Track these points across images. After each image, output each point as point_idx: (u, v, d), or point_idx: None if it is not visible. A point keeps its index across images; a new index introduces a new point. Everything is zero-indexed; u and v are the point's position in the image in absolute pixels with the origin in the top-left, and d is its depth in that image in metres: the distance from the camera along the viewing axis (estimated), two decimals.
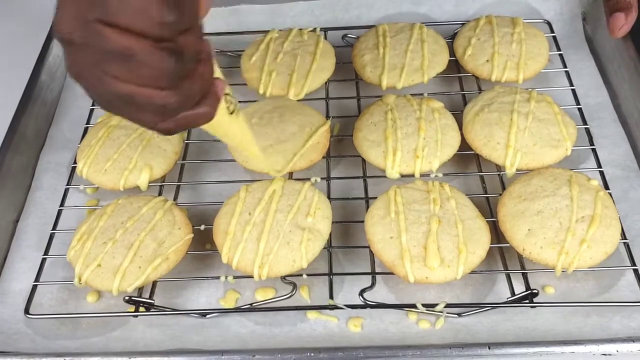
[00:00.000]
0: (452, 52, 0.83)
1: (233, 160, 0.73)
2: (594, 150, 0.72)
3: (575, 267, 0.61)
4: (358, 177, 0.72)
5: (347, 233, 0.69)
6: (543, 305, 0.60)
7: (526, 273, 0.62)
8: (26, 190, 0.75)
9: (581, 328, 0.60)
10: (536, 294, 0.60)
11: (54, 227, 0.69)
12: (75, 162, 0.74)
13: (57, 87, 0.86)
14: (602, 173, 0.70)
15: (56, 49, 0.88)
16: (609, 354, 0.56)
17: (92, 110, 0.80)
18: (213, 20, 0.92)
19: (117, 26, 0.42)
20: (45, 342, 0.62)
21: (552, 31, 0.86)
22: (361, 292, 0.61)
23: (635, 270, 0.62)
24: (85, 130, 0.78)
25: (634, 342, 0.56)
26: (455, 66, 0.83)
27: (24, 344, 0.61)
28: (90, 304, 0.65)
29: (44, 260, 0.66)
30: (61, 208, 0.71)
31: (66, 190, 0.72)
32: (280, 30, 0.86)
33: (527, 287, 0.61)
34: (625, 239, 0.64)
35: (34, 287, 0.64)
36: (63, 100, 0.85)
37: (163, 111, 0.46)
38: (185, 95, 0.46)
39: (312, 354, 0.57)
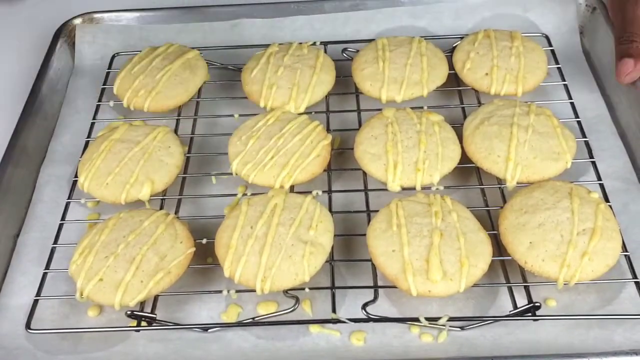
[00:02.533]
0: (451, 66, 0.83)
1: (231, 173, 0.73)
2: (593, 163, 0.73)
3: (577, 280, 0.61)
4: (359, 190, 0.72)
5: (348, 246, 0.69)
6: (545, 318, 0.60)
7: (528, 286, 0.62)
8: (27, 204, 0.75)
9: (584, 341, 0.60)
10: (538, 307, 0.60)
11: (55, 241, 0.69)
12: (76, 176, 0.74)
13: (57, 101, 0.87)
14: (602, 185, 0.70)
15: (57, 62, 0.88)
16: None
17: (92, 124, 0.81)
18: (213, 35, 0.93)
19: None
20: (46, 357, 0.61)
21: (550, 45, 0.86)
22: (364, 306, 0.61)
23: (637, 283, 0.62)
24: (86, 144, 0.78)
25: (637, 355, 0.57)
26: (454, 79, 0.83)
27: (24, 359, 0.61)
28: (92, 318, 0.65)
29: (45, 274, 0.66)
30: (62, 222, 0.71)
31: (67, 204, 0.72)
32: (281, 44, 0.86)
33: (530, 300, 0.61)
34: (627, 251, 0.64)
35: (35, 302, 0.64)
36: (63, 114, 0.85)
37: None
38: None
39: None
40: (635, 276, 0.63)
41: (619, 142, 0.77)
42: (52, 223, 0.72)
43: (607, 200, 0.68)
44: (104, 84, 0.85)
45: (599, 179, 0.71)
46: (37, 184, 0.77)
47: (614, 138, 0.78)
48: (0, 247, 0.70)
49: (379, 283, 0.64)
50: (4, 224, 0.71)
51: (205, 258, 0.68)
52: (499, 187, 0.71)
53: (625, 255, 0.64)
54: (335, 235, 0.66)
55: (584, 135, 0.75)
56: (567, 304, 0.63)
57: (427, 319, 0.60)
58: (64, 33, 0.91)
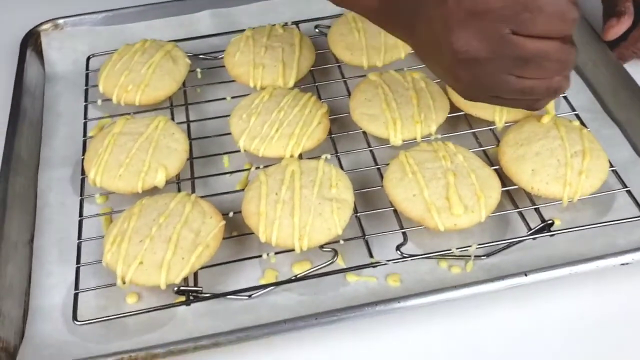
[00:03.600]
0: None
1: (237, 151, 0.75)
2: (565, 97, 0.80)
3: (579, 196, 0.68)
4: (364, 149, 0.76)
5: (365, 201, 0.73)
6: (562, 231, 0.67)
7: (538, 208, 0.68)
8: (32, 210, 0.74)
9: (593, 248, 0.67)
10: (552, 224, 0.67)
11: (79, 237, 0.68)
12: (82, 174, 0.73)
13: (38, 107, 0.85)
14: (577, 115, 0.78)
15: (30, 69, 0.87)
16: (627, 263, 0.63)
17: (85, 124, 0.80)
18: (181, 28, 0.94)
19: (532, 34, 0.48)
20: (98, 347, 0.61)
21: None
22: (398, 247, 0.66)
23: (628, 191, 0.70)
24: (84, 143, 0.78)
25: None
26: None
27: (77, 351, 0.61)
28: (131, 305, 0.65)
29: (78, 269, 0.65)
30: (81, 218, 0.70)
31: (81, 201, 0.72)
32: (254, 28, 0.89)
33: (543, 220, 0.67)
34: (613, 167, 0.72)
35: (76, 296, 0.63)
36: (46, 121, 0.84)
37: (553, 94, 0.55)
38: (567, 76, 0.55)
39: (369, 308, 0.61)
40: (625, 186, 0.70)
41: (579, 79, 0.86)
42: (65, 224, 0.72)
43: (585, 127, 0.76)
44: (86, 85, 0.85)
45: (573, 109, 0.79)
46: (39, 190, 0.76)
47: (573, 75, 0.86)
48: (18, 254, 0.69)
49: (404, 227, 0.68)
50: (17, 232, 0.70)
51: (230, 232, 0.70)
52: (490, 129, 0.77)
53: (613, 170, 0.72)
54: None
55: None
56: (570, 221, 0.70)
57: (457, 248, 0.65)
58: (30, 42, 0.90)
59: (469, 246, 0.66)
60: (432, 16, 0.53)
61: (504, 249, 0.67)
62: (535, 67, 0.51)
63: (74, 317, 0.61)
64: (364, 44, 0.84)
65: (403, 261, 0.65)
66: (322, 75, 0.87)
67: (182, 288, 0.63)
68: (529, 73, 0.52)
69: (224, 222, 0.67)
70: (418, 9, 0.54)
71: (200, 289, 0.63)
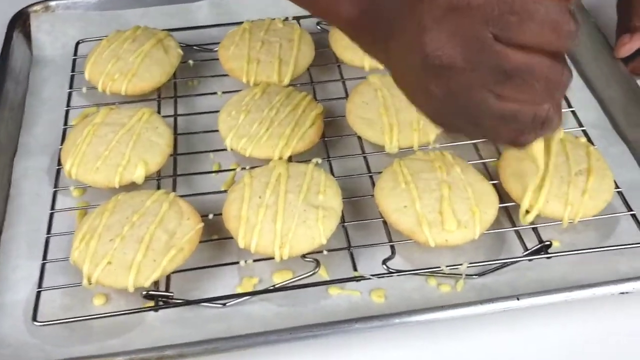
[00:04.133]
0: None
1: (224, 150, 0.72)
2: (573, 112, 0.76)
3: (581, 217, 0.64)
4: (358, 155, 0.72)
5: (355, 210, 0.69)
6: (560, 254, 0.63)
7: (536, 227, 0.64)
8: (4, 198, 0.70)
9: (592, 274, 0.62)
10: (549, 245, 0.63)
11: (49, 232, 0.65)
12: (59, 165, 0.70)
13: (21, 91, 0.82)
14: (585, 132, 0.74)
15: (17, 52, 0.84)
16: (627, 292, 0.59)
17: (67, 112, 0.77)
18: (177, 17, 0.91)
19: (518, 43, 0.39)
20: (57, 350, 0.57)
21: None
22: (384, 262, 0.62)
23: (633, 215, 0.66)
24: (64, 132, 0.74)
25: None
26: None
27: (34, 354, 0.57)
28: (98, 307, 0.61)
29: (43, 265, 0.62)
30: (52, 211, 0.67)
31: (55, 193, 0.68)
32: (253, 21, 0.85)
33: (540, 240, 0.63)
34: (618, 187, 0.68)
35: (38, 294, 0.60)
36: (29, 105, 0.81)
37: (540, 126, 0.44)
38: (559, 106, 0.44)
39: (347, 325, 0.57)
40: (630, 209, 0.66)
41: (589, 94, 0.82)
42: (37, 215, 0.68)
43: (592, 144, 0.72)
44: (73, 71, 0.82)
45: (581, 125, 0.74)
46: (13, 178, 0.72)
47: (583, 90, 0.82)
48: None
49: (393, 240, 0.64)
50: None
51: (210, 235, 0.66)
52: None
53: (618, 192, 0.68)
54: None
55: None
56: (569, 243, 0.66)
57: (447, 266, 0.61)
58: (19, 23, 0.87)
59: (459, 264, 0.62)
60: (407, 21, 0.45)
61: (497, 269, 0.63)
62: (519, 85, 0.41)
63: (34, 317, 0.58)
64: None
65: (389, 276, 0.61)
66: (321, 74, 0.83)
67: (151, 292, 0.59)
68: (511, 92, 0.42)
69: (201, 225, 0.63)
70: (396, 17, 0.47)
71: (171, 294, 0.60)
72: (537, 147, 0.59)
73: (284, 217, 0.62)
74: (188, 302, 0.60)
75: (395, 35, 0.47)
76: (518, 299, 0.58)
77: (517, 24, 0.40)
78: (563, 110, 0.74)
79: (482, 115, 0.44)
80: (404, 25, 0.45)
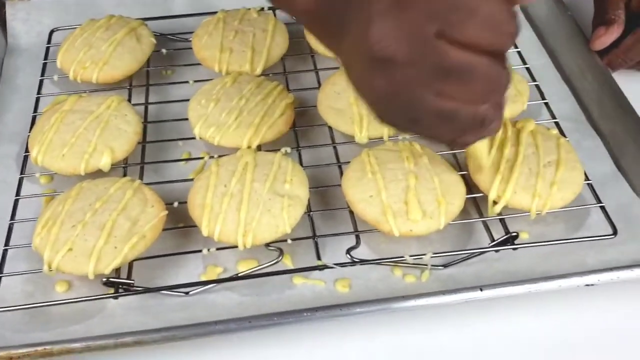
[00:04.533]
0: None
1: (194, 138, 0.71)
2: (546, 104, 0.76)
3: (548, 209, 0.63)
4: (327, 145, 0.72)
5: (322, 199, 0.68)
6: (526, 245, 0.62)
7: (504, 219, 0.64)
8: None
9: (559, 266, 0.62)
10: (516, 237, 0.62)
11: (12, 218, 0.64)
12: (26, 151, 0.69)
13: None
14: (557, 124, 0.73)
15: None
16: (592, 284, 0.59)
17: (38, 99, 0.76)
18: (153, 6, 0.90)
19: (459, 41, 0.39)
20: (17, 336, 0.57)
21: None
22: (348, 251, 0.61)
23: (602, 207, 0.65)
24: (33, 119, 0.74)
25: (612, 270, 0.59)
26: None
27: None
28: (60, 294, 0.61)
29: (5, 251, 0.61)
30: (17, 198, 0.66)
31: (20, 180, 0.68)
32: (228, 10, 0.85)
33: (507, 231, 0.63)
34: (589, 180, 0.67)
35: None
36: (2, 93, 0.80)
37: (479, 126, 0.44)
38: (499, 106, 0.45)
39: (309, 314, 0.56)
40: (599, 201, 0.66)
41: (564, 86, 0.81)
42: (3, 202, 0.68)
43: (563, 136, 0.71)
44: (45, 59, 0.81)
45: (554, 117, 0.74)
46: None
47: (559, 82, 0.82)
48: None
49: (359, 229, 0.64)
50: None
51: (176, 223, 0.66)
52: None
53: (588, 184, 0.67)
54: (309, 189, 0.65)
55: (534, 80, 0.78)
56: (538, 235, 0.65)
57: (411, 256, 0.61)
58: None
59: (423, 254, 0.61)
60: (357, 13, 0.45)
61: (464, 260, 0.63)
62: (458, 83, 0.42)
63: None
64: None
65: (352, 265, 0.61)
66: (295, 65, 0.82)
67: (111, 279, 0.58)
68: (450, 90, 0.42)
69: (165, 213, 0.63)
70: (347, 9, 0.46)
71: (132, 282, 0.59)
72: (480, 147, 0.59)
73: (248, 205, 0.61)
74: (148, 290, 0.59)
75: (346, 27, 0.46)
76: (481, 290, 0.58)
77: (459, 22, 0.40)
78: (536, 102, 0.75)
79: (421, 113, 0.44)
80: (354, 17, 0.45)
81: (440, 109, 0.43)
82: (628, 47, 0.79)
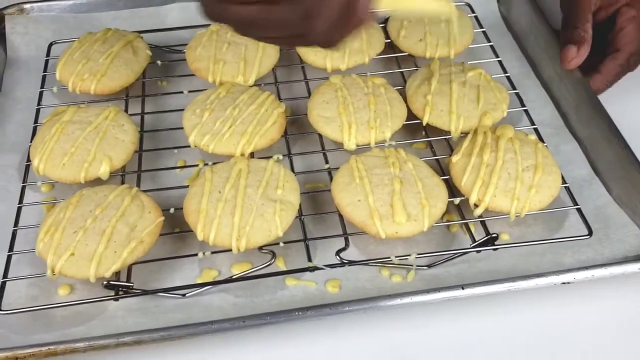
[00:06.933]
0: (386, 35, 0.88)
1: (189, 147, 0.74)
2: (526, 111, 0.79)
3: (527, 211, 0.67)
4: (317, 152, 0.75)
5: (313, 204, 0.71)
6: (505, 246, 0.66)
7: (484, 221, 0.67)
8: None
9: (539, 265, 0.65)
10: (496, 238, 0.65)
11: (16, 225, 0.67)
12: (28, 161, 0.72)
13: None
14: (536, 130, 0.77)
15: None
16: (568, 282, 0.62)
17: (38, 110, 0.79)
18: (149, 19, 0.93)
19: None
20: (21, 338, 0.60)
21: (473, 12, 0.93)
22: (337, 253, 0.64)
23: (579, 209, 0.69)
24: (34, 129, 0.77)
25: (587, 269, 0.62)
26: (390, 47, 0.88)
27: None
28: (63, 297, 0.64)
29: (9, 257, 0.64)
30: (20, 205, 0.69)
31: (23, 188, 0.71)
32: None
33: (487, 233, 0.66)
34: (566, 183, 0.71)
35: (3, 284, 0.62)
36: (2, 106, 0.83)
37: (301, 19, 0.47)
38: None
39: (300, 313, 0.59)
40: (576, 204, 0.69)
41: (544, 93, 0.84)
42: (4, 210, 0.70)
43: (542, 141, 0.75)
44: (44, 71, 0.84)
45: (533, 124, 0.77)
46: None
47: (538, 90, 0.85)
48: None
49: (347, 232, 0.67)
50: None
51: (172, 229, 0.69)
52: (445, 139, 0.76)
53: (565, 187, 0.70)
54: (300, 194, 0.68)
55: (514, 88, 0.82)
56: (519, 236, 0.69)
57: (397, 257, 0.64)
58: None
59: (408, 255, 0.64)
60: None
61: (447, 260, 0.66)
62: (258, 30, 0.49)
63: None
64: None
65: (341, 267, 0.64)
66: (285, 75, 0.86)
67: (111, 282, 0.61)
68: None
69: (162, 218, 0.66)
70: None
71: (131, 284, 0.62)
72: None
73: (242, 210, 0.64)
74: (147, 292, 0.62)
75: None
76: (463, 289, 0.61)
77: None
78: (517, 109, 0.78)
79: (234, 21, 0.49)
80: None
81: (242, 16, 0.48)
82: (610, 70, 0.79)
